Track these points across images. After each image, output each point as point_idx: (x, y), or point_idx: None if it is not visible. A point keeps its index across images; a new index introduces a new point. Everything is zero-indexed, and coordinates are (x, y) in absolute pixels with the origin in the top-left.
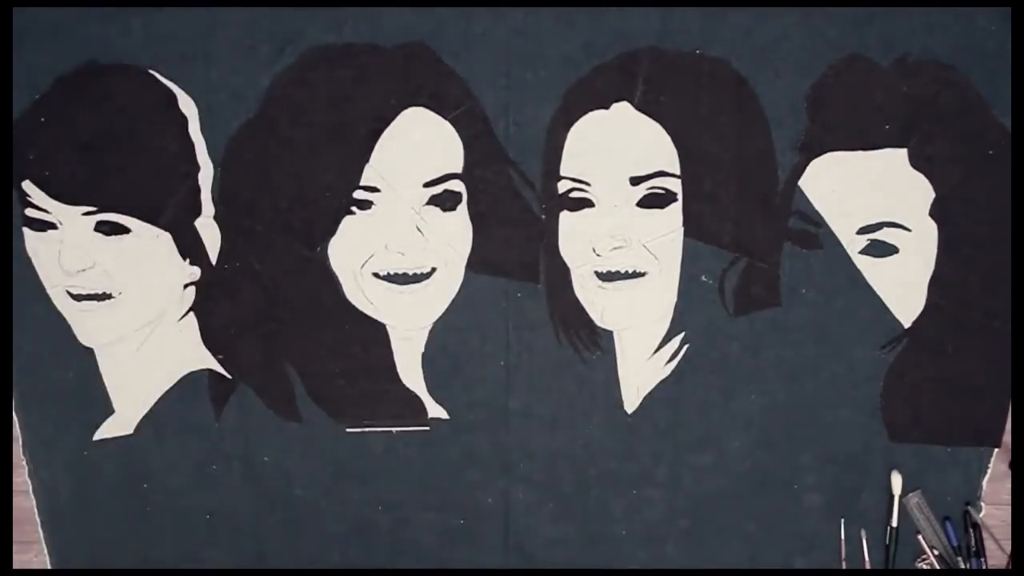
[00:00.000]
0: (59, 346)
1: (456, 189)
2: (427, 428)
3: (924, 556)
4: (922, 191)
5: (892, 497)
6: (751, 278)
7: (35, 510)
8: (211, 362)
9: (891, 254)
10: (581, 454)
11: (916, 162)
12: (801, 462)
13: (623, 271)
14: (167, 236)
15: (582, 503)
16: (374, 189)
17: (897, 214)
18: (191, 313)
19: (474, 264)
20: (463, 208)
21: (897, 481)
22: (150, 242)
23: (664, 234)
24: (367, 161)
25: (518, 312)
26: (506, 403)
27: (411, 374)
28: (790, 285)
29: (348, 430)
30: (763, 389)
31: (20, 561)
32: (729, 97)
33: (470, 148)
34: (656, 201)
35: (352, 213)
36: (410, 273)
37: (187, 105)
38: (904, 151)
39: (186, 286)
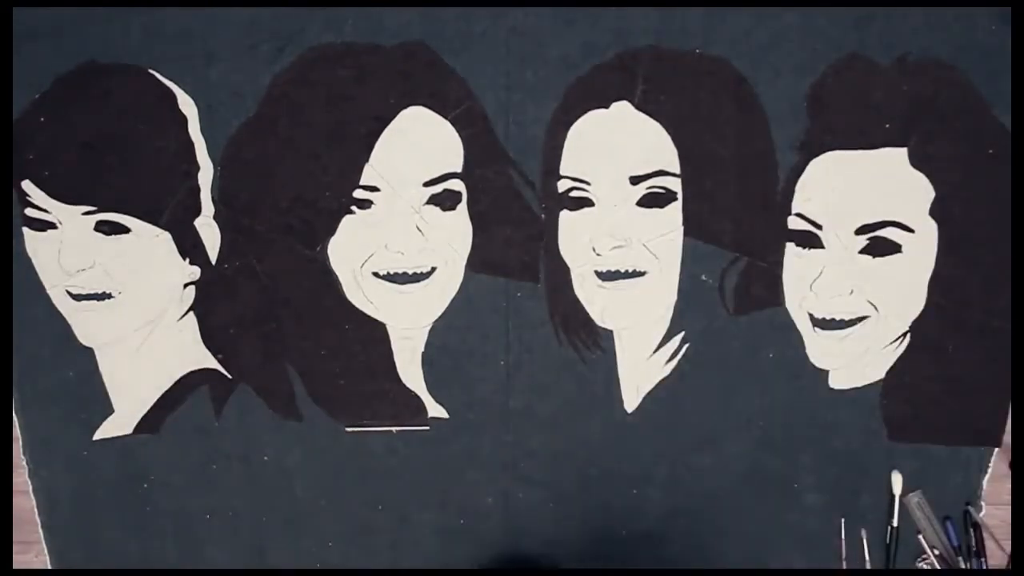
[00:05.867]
0: (59, 346)
1: (456, 188)
2: (427, 428)
3: (924, 556)
4: (922, 191)
5: (892, 497)
6: (751, 278)
7: (35, 510)
8: (211, 362)
9: (891, 253)
10: (581, 454)
11: (916, 162)
12: (801, 462)
13: (623, 270)
14: (167, 236)
15: (582, 503)
16: (374, 189)
17: (897, 213)
18: (191, 313)
19: (474, 264)
20: (463, 207)
21: (897, 481)
22: (150, 242)
23: (664, 233)
24: (367, 161)
25: (518, 312)
26: (506, 403)
27: (411, 374)
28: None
29: (348, 430)
30: (763, 389)
31: (20, 561)
32: (729, 97)
33: (470, 148)
34: (656, 200)
35: (352, 213)
36: (410, 272)
37: (187, 105)
38: (904, 151)
39: (186, 286)
